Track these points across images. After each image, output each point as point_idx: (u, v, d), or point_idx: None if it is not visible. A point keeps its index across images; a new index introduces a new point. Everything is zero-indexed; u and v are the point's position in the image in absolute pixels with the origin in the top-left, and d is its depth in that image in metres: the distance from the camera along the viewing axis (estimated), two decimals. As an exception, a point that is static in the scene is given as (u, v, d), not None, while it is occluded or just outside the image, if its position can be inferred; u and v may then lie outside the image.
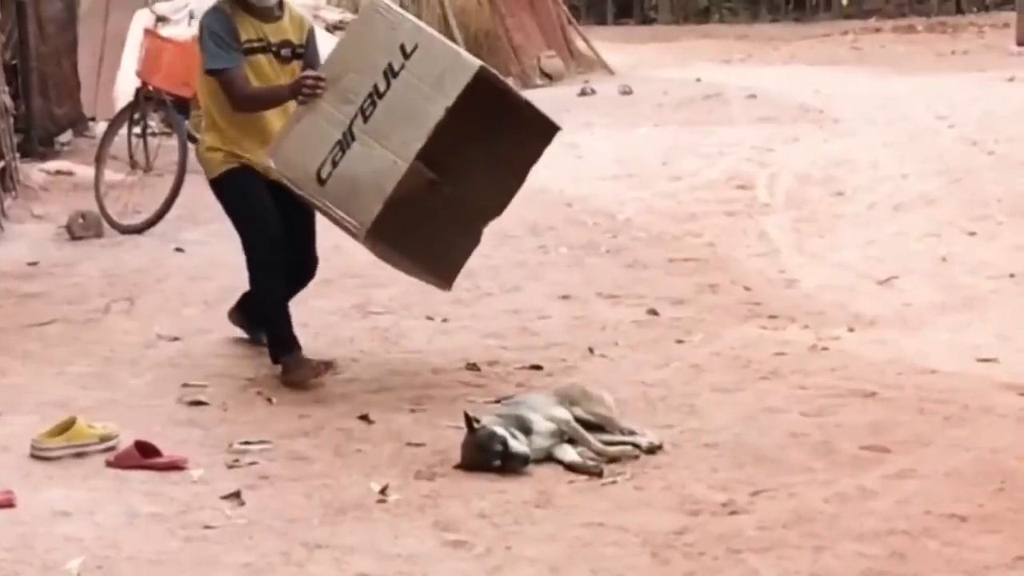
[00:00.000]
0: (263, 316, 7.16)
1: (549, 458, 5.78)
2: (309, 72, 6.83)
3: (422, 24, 6.75)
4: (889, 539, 4.99)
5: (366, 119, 6.53)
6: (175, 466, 5.74)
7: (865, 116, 15.02)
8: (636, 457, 5.82)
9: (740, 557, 4.88)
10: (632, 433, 5.99)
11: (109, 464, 5.77)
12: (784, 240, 10.01)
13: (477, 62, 6.55)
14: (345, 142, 6.56)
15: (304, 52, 7.17)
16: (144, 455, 5.77)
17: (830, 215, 10.72)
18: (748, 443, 5.99)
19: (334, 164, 6.58)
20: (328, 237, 8.56)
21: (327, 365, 6.87)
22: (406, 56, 6.49)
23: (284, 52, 7.10)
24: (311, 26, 7.33)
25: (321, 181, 6.60)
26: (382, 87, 6.53)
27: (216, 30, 6.94)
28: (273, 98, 6.97)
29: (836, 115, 15.18)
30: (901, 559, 4.84)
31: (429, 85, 6.46)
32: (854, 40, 24.45)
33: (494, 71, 6.75)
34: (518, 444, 5.71)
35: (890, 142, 13.32)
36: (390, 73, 6.52)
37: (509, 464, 5.67)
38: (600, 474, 5.66)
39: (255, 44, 7.02)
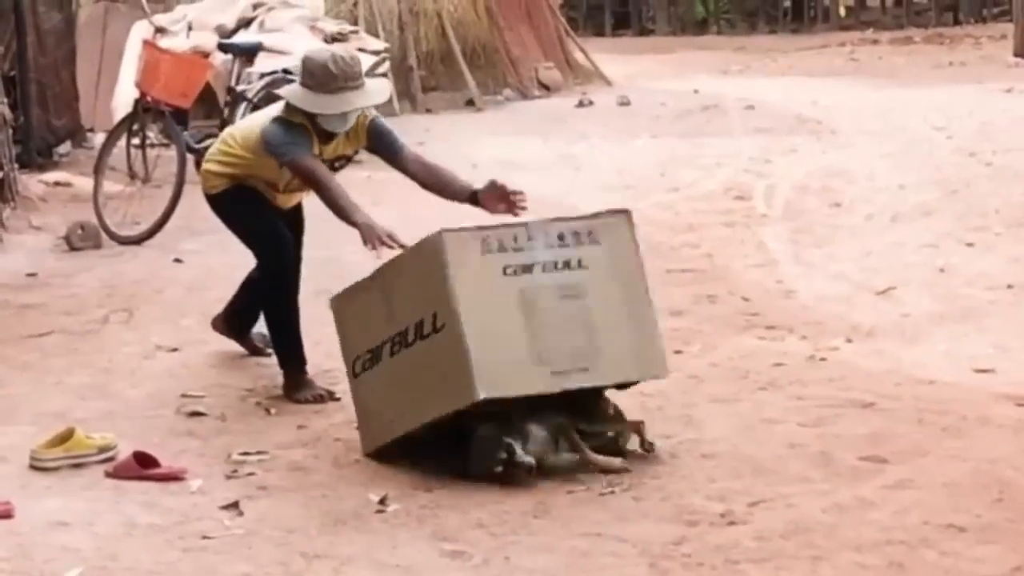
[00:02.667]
0: (274, 331, 7.12)
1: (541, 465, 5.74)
2: (396, 235, 6.41)
3: (459, 296, 5.73)
4: (887, 549, 4.99)
5: (392, 354, 5.92)
6: (174, 477, 5.75)
7: (863, 127, 15.03)
8: (627, 470, 5.78)
9: (738, 568, 4.88)
10: (619, 432, 5.96)
11: (108, 475, 5.77)
12: (782, 251, 10.02)
13: (478, 393, 5.63)
14: (375, 357, 6.00)
15: (373, 149, 7.02)
16: (143, 466, 5.77)
17: (828, 226, 10.72)
18: (746, 453, 5.99)
19: (363, 369, 6.06)
20: (328, 247, 8.58)
21: (330, 395, 6.86)
22: (435, 329, 5.76)
23: (337, 165, 7.00)
24: (372, 121, 6.93)
25: (355, 374, 6.13)
26: (410, 336, 5.87)
27: (294, 138, 6.65)
28: (343, 208, 6.64)
29: (834, 126, 15.20)
30: (899, 569, 4.84)
31: (435, 377, 5.78)
32: (852, 51, 24.48)
33: (508, 396, 5.73)
34: (523, 453, 5.68)
35: (888, 153, 13.34)
36: (419, 330, 5.83)
37: (512, 471, 5.64)
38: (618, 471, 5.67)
39: (333, 164, 6.93)
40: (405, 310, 5.87)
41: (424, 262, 5.81)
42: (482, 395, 5.61)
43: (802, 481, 5.67)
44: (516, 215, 6.51)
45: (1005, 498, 5.43)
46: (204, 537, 5.17)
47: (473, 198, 6.71)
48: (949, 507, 5.34)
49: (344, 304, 6.24)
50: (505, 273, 5.78)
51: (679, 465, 5.87)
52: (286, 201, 7.20)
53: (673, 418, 6.47)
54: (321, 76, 6.65)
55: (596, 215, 6.07)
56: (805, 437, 6.18)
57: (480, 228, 5.84)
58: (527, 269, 5.82)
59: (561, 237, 5.90)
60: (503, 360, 5.69)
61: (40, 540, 5.09)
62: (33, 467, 5.85)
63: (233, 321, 7.53)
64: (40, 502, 5.45)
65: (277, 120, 6.74)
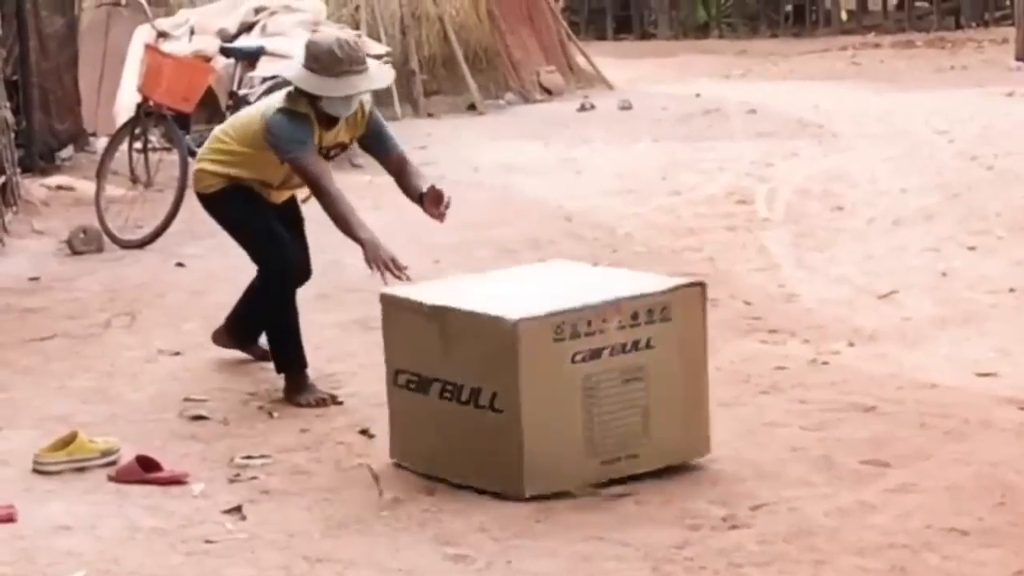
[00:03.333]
0: (275, 333, 7.12)
1: None
2: (399, 262, 6.60)
3: (524, 388, 5.58)
4: (889, 553, 5.00)
5: (442, 397, 5.78)
6: (176, 480, 5.75)
7: (864, 131, 15.03)
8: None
9: (741, 571, 4.88)
10: None
11: (110, 479, 5.78)
12: (784, 255, 10.02)
13: (526, 491, 5.57)
14: (422, 386, 5.85)
15: (365, 138, 7.05)
16: (145, 469, 5.78)
17: (830, 230, 10.72)
18: (748, 457, 5.99)
19: (406, 386, 5.92)
20: (327, 251, 8.58)
21: (332, 399, 6.86)
22: (492, 407, 5.64)
23: (333, 153, 7.02)
24: (371, 112, 7.04)
25: (396, 383, 5.99)
26: (464, 396, 5.72)
27: (298, 133, 6.68)
28: (347, 222, 6.70)
29: (835, 130, 15.20)
30: (902, 573, 4.85)
31: (483, 450, 5.70)
32: (853, 55, 24.46)
33: None
34: None
35: (889, 157, 13.33)
36: (475, 397, 5.67)
37: None
38: None
39: (332, 152, 7.00)
40: (464, 366, 5.70)
41: (495, 338, 5.59)
42: (529, 493, 5.54)
43: (804, 485, 5.67)
44: (440, 221, 6.78)
45: (1007, 502, 5.43)
46: (207, 541, 5.17)
47: (420, 200, 6.91)
48: (951, 511, 5.35)
49: (395, 310, 6.06)
50: (573, 361, 5.59)
51: (681, 469, 5.86)
52: (279, 197, 7.19)
53: (675, 422, 6.46)
54: (326, 60, 6.67)
55: (673, 288, 5.84)
56: (807, 441, 6.18)
57: (554, 314, 5.59)
58: (596, 354, 5.63)
59: (635, 316, 5.70)
60: (555, 452, 5.58)
61: (43, 544, 5.10)
62: (36, 471, 5.85)
63: (237, 329, 7.50)
64: (43, 506, 5.45)
65: (281, 111, 6.73)
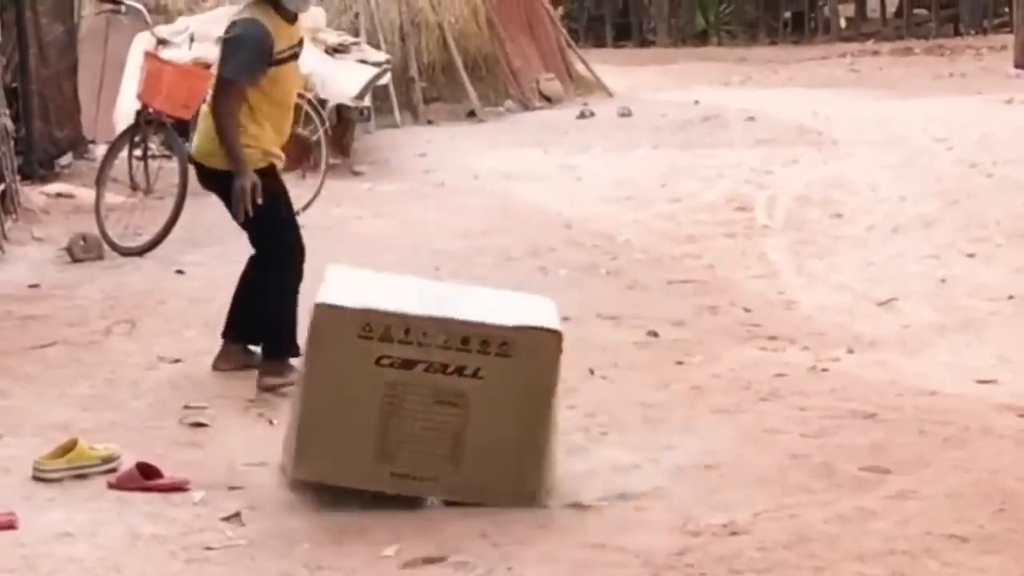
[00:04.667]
0: (275, 316, 7.20)
1: None
2: (257, 197, 6.99)
3: (312, 374, 5.67)
4: (890, 560, 5.00)
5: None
6: (177, 488, 5.75)
7: (863, 138, 15.04)
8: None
9: (741, 578, 4.89)
10: None
11: (111, 486, 5.78)
12: (783, 262, 10.03)
13: (293, 472, 5.66)
14: None
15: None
16: (146, 477, 5.78)
17: (829, 237, 10.73)
18: (748, 464, 6.00)
19: None
20: (327, 259, 8.57)
21: None
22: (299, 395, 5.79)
23: (287, 55, 7.25)
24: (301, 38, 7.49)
25: None
26: (295, 388, 6.00)
27: (249, 46, 7.04)
28: (232, 148, 7.03)
29: (835, 137, 15.20)
30: (902, 580, 4.86)
31: (289, 435, 5.85)
32: (852, 62, 24.47)
33: None
34: None
35: (888, 164, 13.34)
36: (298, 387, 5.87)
37: None
38: None
39: (287, 52, 7.20)
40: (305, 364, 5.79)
41: (311, 321, 5.63)
42: (297, 476, 5.57)
43: (804, 491, 5.68)
44: None
45: (1007, 508, 5.43)
46: (207, 548, 5.18)
47: None
48: (951, 517, 5.35)
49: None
50: (379, 363, 5.46)
51: (681, 476, 5.87)
52: (282, 141, 7.38)
53: (675, 429, 6.48)
54: None
55: (521, 328, 5.50)
56: (807, 448, 6.18)
57: (365, 311, 5.49)
58: (409, 365, 5.46)
59: (465, 341, 5.45)
60: (336, 445, 5.51)
61: (44, 551, 5.10)
62: (36, 478, 5.85)
63: (244, 333, 7.50)
64: (44, 513, 5.46)
65: (247, 23, 7.08)
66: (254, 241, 7.32)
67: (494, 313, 5.59)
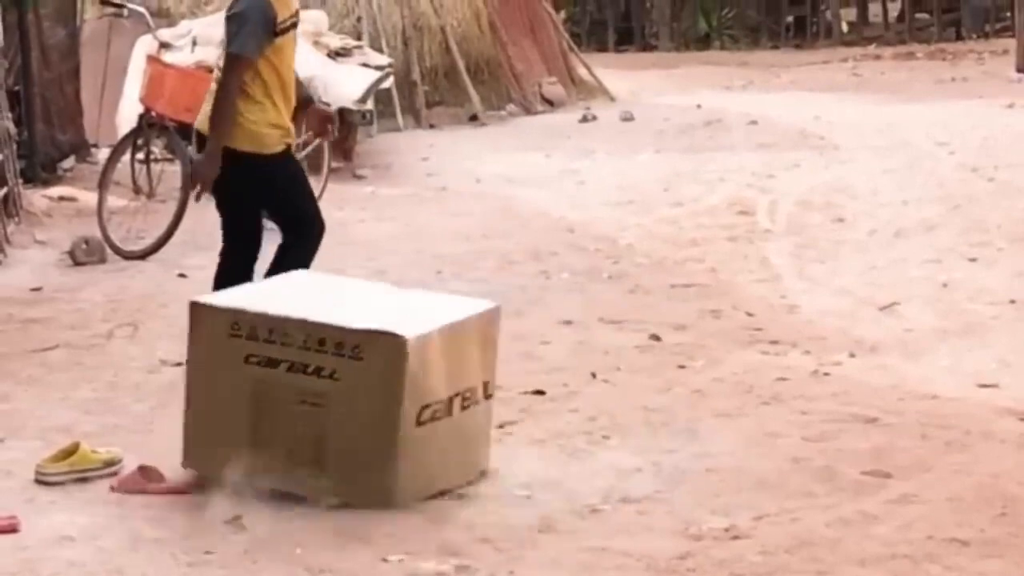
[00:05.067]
0: None
1: None
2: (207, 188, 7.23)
3: (191, 371, 5.96)
4: (891, 564, 5.00)
5: None
6: (178, 491, 5.75)
7: (865, 142, 15.05)
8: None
9: (742, 582, 4.89)
10: None
11: (112, 489, 5.78)
12: (785, 266, 10.04)
13: (185, 463, 5.84)
14: None
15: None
16: (148, 480, 5.79)
17: (831, 241, 10.74)
18: (750, 468, 6.00)
19: None
20: (329, 263, 8.59)
21: None
22: None
23: (288, 25, 7.36)
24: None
25: None
26: None
27: (255, 18, 7.17)
28: (220, 121, 7.17)
29: (836, 141, 15.22)
30: (903, 584, 4.86)
31: None
32: (854, 67, 24.47)
33: None
34: None
35: (890, 168, 13.35)
36: None
37: None
38: None
39: (288, 21, 7.33)
40: None
41: (188, 326, 5.92)
42: (185, 465, 5.76)
43: (806, 495, 5.68)
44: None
45: (1009, 512, 5.44)
46: (208, 552, 5.17)
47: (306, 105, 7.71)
48: (953, 521, 5.35)
49: None
50: (247, 361, 5.64)
51: (683, 479, 5.87)
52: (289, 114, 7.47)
53: (677, 432, 6.48)
54: None
55: (366, 331, 5.55)
56: (809, 451, 6.18)
57: (234, 310, 5.74)
58: (273, 363, 5.62)
59: (322, 343, 5.56)
60: (217, 440, 5.68)
61: (46, 555, 5.10)
62: (39, 481, 5.85)
63: None
64: (46, 517, 5.46)
65: (247, 6, 7.17)
66: (290, 220, 7.44)
67: (365, 316, 5.66)
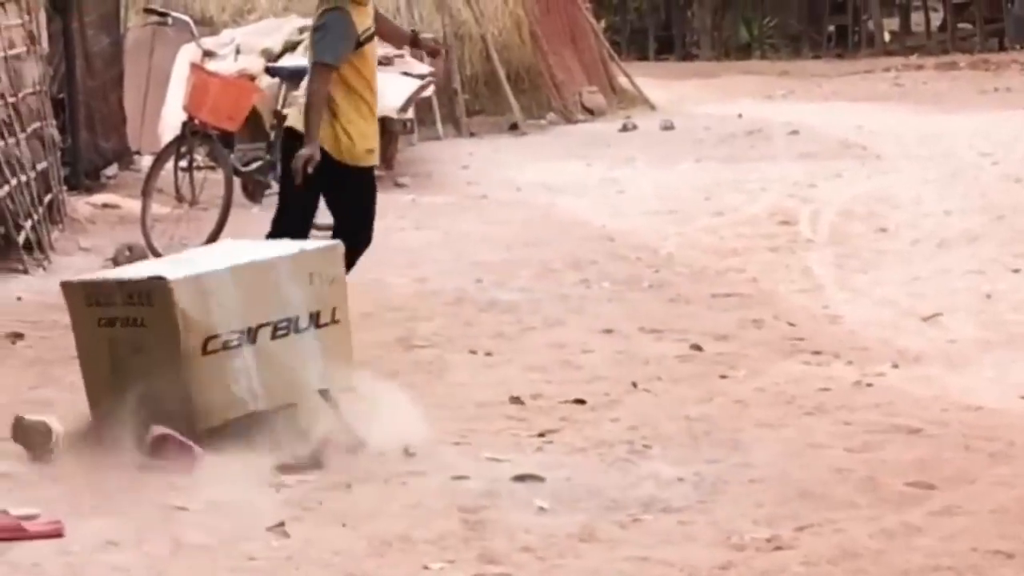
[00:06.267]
0: None
1: None
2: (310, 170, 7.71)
3: (77, 339, 6.72)
4: (935, 575, 4.98)
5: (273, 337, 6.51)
6: (188, 450, 6.08)
7: (908, 152, 15.00)
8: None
9: (785, 592, 4.87)
10: None
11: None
12: (827, 276, 10.01)
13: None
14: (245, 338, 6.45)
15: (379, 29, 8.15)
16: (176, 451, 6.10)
17: (873, 251, 10.71)
18: (793, 478, 5.97)
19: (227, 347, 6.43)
20: (369, 271, 8.61)
21: None
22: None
23: (366, 37, 7.95)
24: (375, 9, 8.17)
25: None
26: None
27: (337, 29, 7.77)
28: (311, 122, 7.77)
29: (879, 151, 15.18)
30: (947, 595, 4.83)
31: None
32: (896, 76, 24.43)
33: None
34: None
35: (933, 179, 13.31)
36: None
37: None
38: None
39: (367, 33, 7.90)
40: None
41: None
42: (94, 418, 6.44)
43: (849, 506, 5.66)
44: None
45: (1053, 525, 5.40)
46: (251, 558, 5.18)
47: (413, 42, 8.71)
48: (997, 533, 5.32)
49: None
50: (99, 324, 6.47)
51: (726, 489, 5.86)
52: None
53: (720, 443, 6.47)
54: None
55: (150, 279, 6.39)
56: (852, 462, 6.16)
57: (84, 283, 6.75)
58: (111, 323, 6.43)
59: (130, 297, 6.37)
60: (99, 393, 6.48)
61: (90, 560, 5.12)
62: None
63: None
64: (89, 521, 5.48)
65: (331, 11, 7.77)
66: (340, 226, 7.96)
67: (166, 269, 6.54)
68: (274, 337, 6.46)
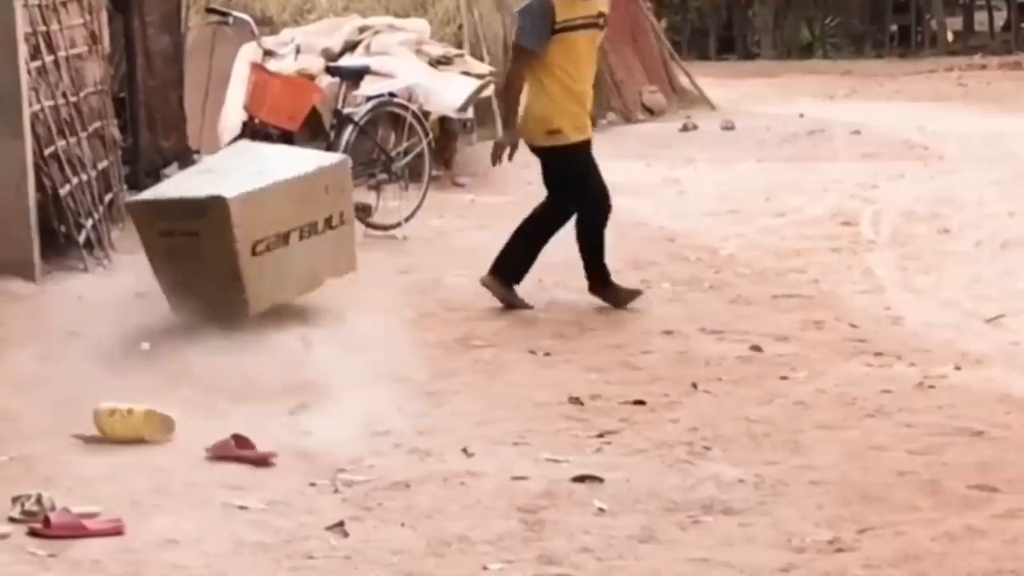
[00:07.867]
0: (518, 244, 8.92)
1: None
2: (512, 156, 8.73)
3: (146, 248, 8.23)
4: (998, 579, 4.93)
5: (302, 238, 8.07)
6: (263, 459, 6.10)
7: (971, 153, 14.90)
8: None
9: (847, 596, 4.83)
10: None
11: (208, 451, 6.17)
12: (889, 277, 9.94)
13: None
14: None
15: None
16: (238, 447, 6.15)
17: (936, 252, 10.63)
18: (854, 481, 5.94)
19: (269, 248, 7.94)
20: (429, 271, 8.62)
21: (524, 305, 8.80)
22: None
23: (601, 22, 8.64)
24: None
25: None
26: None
27: (535, 14, 8.40)
28: (506, 108, 8.76)
29: (941, 152, 15.08)
30: (1011, 600, 4.78)
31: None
32: (960, 76, 24.27)
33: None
34: None
35: (996, 180, 13.20)
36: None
37: None
38: None
39: (569, 23, 8.40)
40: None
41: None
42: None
43: (911, 509, 5.61)
44: None
45: (1119, 530, 5.34)
46: (310, 557, 5.19)
47: None
48: (1062, 538, 5.27)
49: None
50: (160, 235, 7.99)
51: (786, 491, 5.83)
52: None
53: (780, 444, 6.44)
54: None
55: (209, 196, 7.77)
56: (914, 465, 6.12)
57: (144, 202, 8.35)
58: (168, 234, 7.95)
59: (184, 211, 7.86)
60: (170, 291, 7.98)
61: (151, 558, 5.14)
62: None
63: (597, 284, 8.98)
64: (150, 520, 5.50)
65: (531, 4, 8.42)
66: (554, 195, 8.87)
67: (219, 185, 7.86)
68: (301, 238, 7.99)
